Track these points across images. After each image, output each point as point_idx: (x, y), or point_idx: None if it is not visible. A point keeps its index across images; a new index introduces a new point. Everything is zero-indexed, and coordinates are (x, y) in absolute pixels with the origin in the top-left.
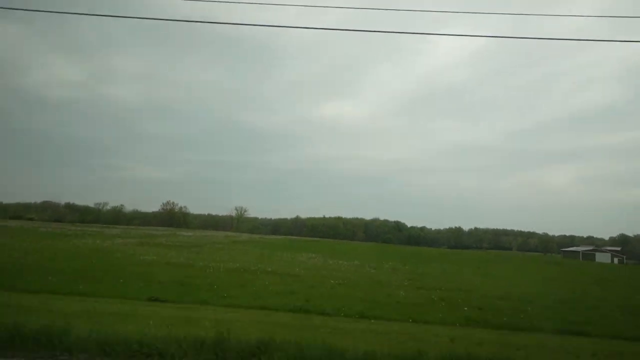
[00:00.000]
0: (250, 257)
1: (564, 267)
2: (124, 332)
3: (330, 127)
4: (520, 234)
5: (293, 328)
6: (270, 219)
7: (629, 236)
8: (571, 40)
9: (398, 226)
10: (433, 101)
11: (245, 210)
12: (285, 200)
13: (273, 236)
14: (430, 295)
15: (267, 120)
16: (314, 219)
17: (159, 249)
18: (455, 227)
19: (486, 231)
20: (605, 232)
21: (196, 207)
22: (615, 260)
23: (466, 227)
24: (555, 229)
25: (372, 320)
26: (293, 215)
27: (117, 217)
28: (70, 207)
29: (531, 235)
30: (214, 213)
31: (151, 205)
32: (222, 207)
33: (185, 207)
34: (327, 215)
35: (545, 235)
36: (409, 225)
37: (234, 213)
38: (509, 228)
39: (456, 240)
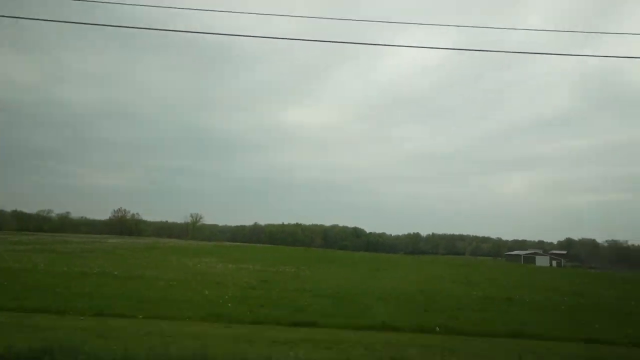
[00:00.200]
0: (127, 262)
1: (470, 269)
2: None
3: (291, 134)
4: (475, 239)
5: None
6: (230, 226)
7: (574, 240)
8: (524, 53)
9: (356, 232)
10: (393, 109)
11: (200, 217)
12: (245, 207)
13: (204, 242)
14: (227, 293)
15: (227, 126)
16: (273, 225)
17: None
18: (413, 233)
19: (442, 237)
20: (554, 237)
21: (152, 215)
22: (554, 263)
23: (424, 233)
24: (508, 234)
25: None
26: (252, 223)
27: (63, 225)
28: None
29: (485, 240)
30: (170, 220)
31: (103, 213)
32: (179, 215)
33: (138, 214)
34: (286, 222)
35: (499, 239)
36: (368, 231)
37: (189, 220)
38: (465, 233)
39: (414, 246)
